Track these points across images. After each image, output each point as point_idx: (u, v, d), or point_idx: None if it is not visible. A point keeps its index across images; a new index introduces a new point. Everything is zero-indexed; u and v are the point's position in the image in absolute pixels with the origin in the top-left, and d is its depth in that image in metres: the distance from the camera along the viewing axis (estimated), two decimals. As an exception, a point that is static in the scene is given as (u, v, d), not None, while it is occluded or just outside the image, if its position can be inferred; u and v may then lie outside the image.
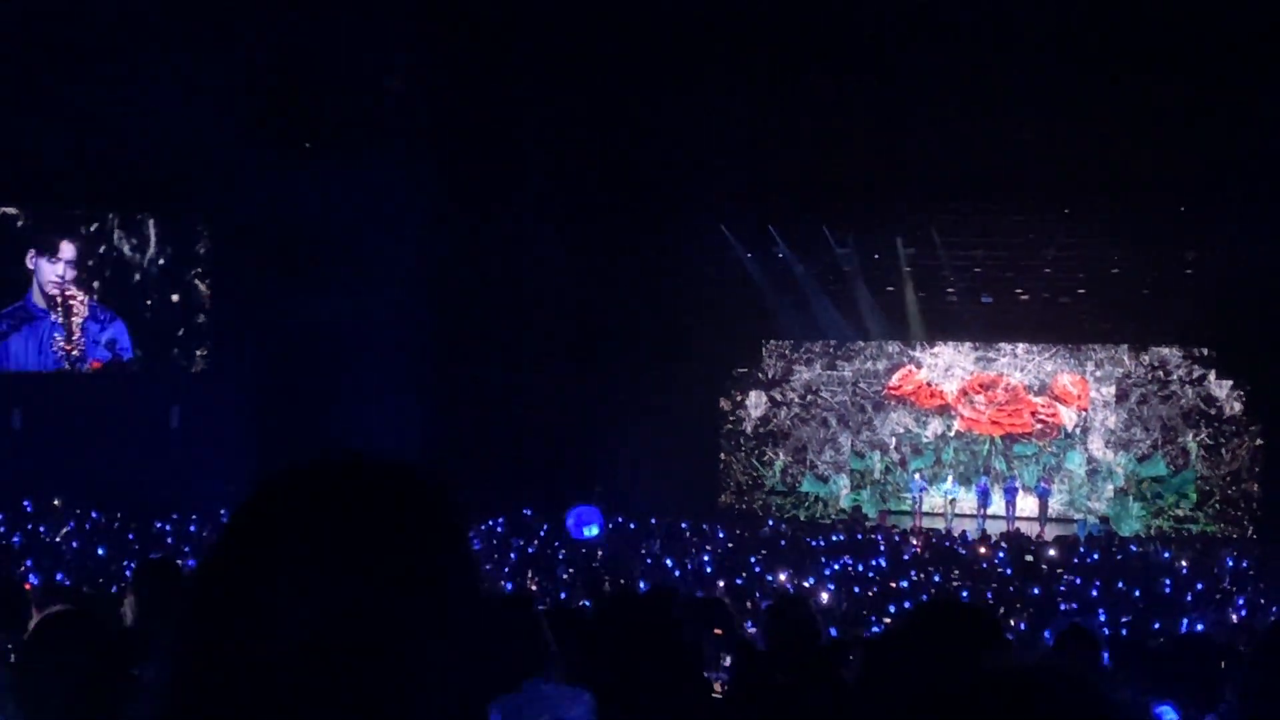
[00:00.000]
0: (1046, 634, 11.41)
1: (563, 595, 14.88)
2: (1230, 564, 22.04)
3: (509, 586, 15.29)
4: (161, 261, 27.82)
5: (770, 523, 27.05)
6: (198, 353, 28.34)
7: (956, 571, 19.42)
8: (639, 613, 2.86)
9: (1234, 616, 15.25)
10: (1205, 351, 30.13)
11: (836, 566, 19.46)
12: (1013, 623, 13.07)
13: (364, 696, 1.18)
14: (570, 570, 18.03)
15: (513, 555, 19.97)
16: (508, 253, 27.58)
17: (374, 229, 24.87)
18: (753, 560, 19.78)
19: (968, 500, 30.34)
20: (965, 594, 16.68)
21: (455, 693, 1.25)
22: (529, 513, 25.71)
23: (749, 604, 11.91)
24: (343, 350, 25.83)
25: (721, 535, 24.44)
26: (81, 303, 26.96)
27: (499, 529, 23.83)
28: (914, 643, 2.73)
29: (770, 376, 32.97)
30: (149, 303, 27.73)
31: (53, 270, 26.56)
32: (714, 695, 3.34)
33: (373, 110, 25.30)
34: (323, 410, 24.99)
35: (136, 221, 27.57)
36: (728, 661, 4.86)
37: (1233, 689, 3.84)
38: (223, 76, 23.25)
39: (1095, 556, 22.38)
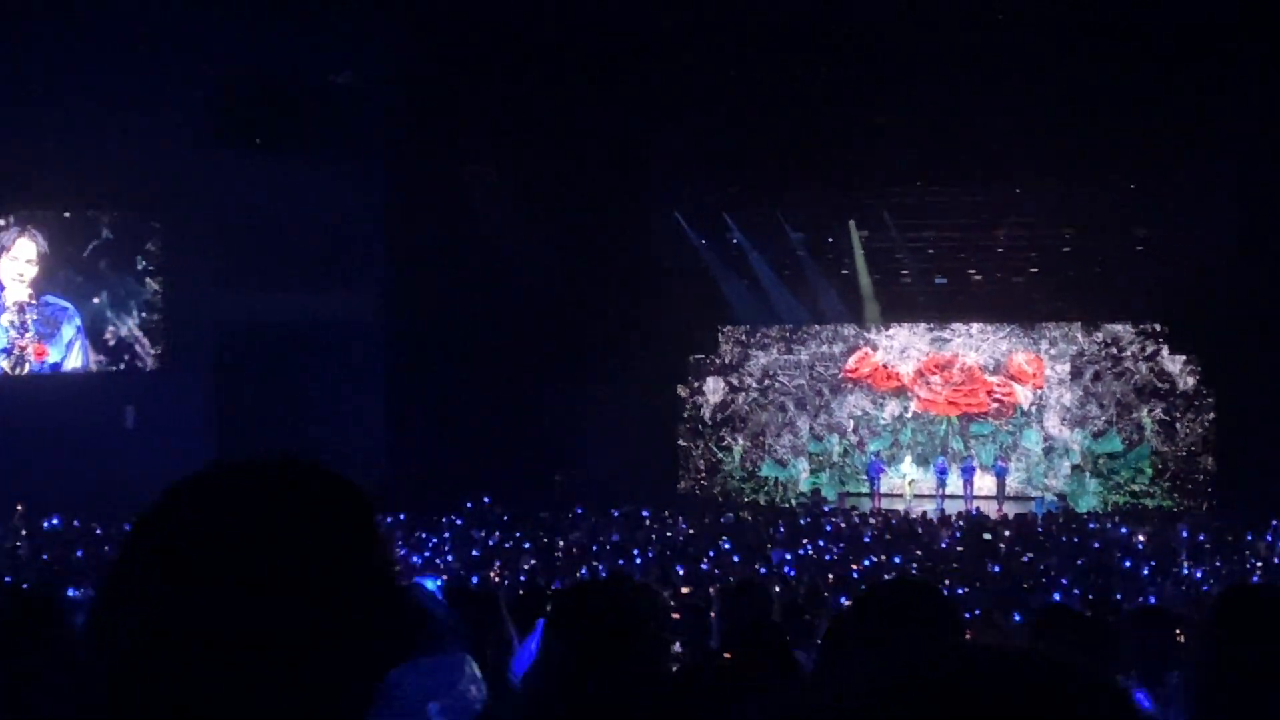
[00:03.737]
0: (1016, 616, 11.48)
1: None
2: (1186, 537, 22.24)
3: (474, 579, 15.24)
4: (114, 259, 27.57)
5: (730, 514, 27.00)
6: (152, 351, 28.09)
7: (917, 552, 19.53)
8: (593, 599, 2.85)
9: (1191, 589, 15.42)
10: (1157, 327, 30.41)
11: (800, 551, 19.52)
12: (973, 602, 13.16)
13: (263, 698, 1.20)
14: (534, 561, 18.02)
15: (474, 551, 19.90)
16: (463, 244, 27.48)
17: (328, 225, 24.75)
18: (714, 549, 19.81)
19: (926, 481, 30.50)
20: (925, 574, 16.79)
21: (360, 690, 1.28)
22: (488, 501, 25.68)
23: (710, 589, 11.90)
24: (298, 346, 25.72)
25: (684, 525, 24.46)
26: (34, 300, 26.71)
27: (458, 521, 23.76)
28: (866, 623, 2.74)
29: (727, 362, 33.04)
30: (98, 301, 27.47)
31: (10, 269, 26.34)
32: (668, 679, 3.34)
33: (325, 108, 25.14)
34: (279, 407, 24.87)
35: (89, 219, 27.32)
36: (679, 647, 4.88)
37: (1187, 659, 3.88)
38: (175, 75, 23.09)
39: (1053, 533, 22.56)
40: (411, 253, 27.12)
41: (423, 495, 24.58)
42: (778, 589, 13.94)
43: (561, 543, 20.69)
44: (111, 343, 27.76)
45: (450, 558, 18.78)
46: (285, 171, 23.42)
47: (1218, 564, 18.59)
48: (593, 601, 2.90)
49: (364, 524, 1.33)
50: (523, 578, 15.68)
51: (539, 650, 3.00)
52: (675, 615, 5.54)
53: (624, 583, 3.15)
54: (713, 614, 7.28)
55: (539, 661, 2.95)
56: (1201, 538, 21.93)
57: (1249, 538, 21.48)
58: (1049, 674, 1.02)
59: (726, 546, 19.80)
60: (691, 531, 22.70)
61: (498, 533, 22.08)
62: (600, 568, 17.19)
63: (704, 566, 17.26)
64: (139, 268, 27.94)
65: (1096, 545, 20.93)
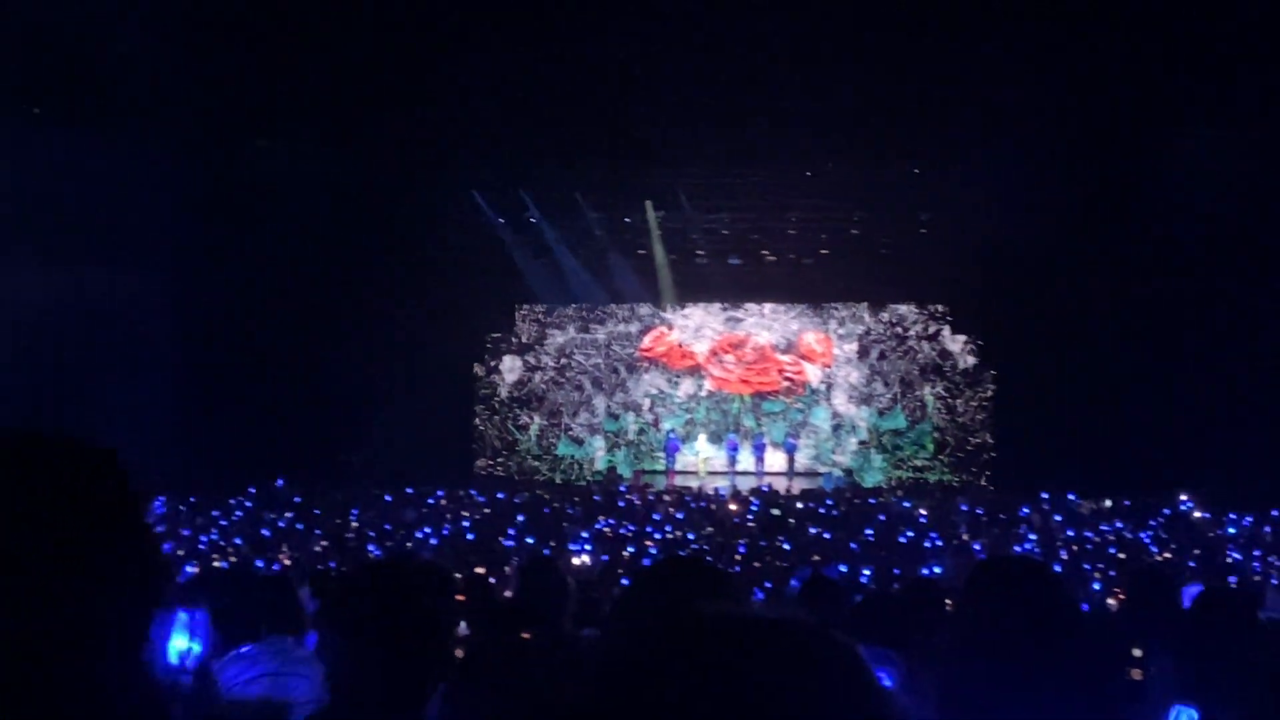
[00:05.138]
0: (794, 582, 11.78)
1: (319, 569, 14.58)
2: (965, 510, 23.02)
3: (259, 563, 14.92)
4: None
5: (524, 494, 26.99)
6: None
7: (710, 528, 19.81)
8: (372, 581, 2.84)
9: (969, 560, 15.95)
10: (939, 308, 31.46)
11: (596, 528, 19.62)
12: (763, 576, 13.41)
13: (27, 669, 1.25)
14: (325, 543, 17.73)
15: (265, 533, 19.50)
16: (256, 223, 26.73)
17: (115, 201, 23.83)
18: (510, 527, 19.80)
19: (719, 458, 30.96)
20: (718, 549, 17.05)
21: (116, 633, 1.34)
22: (281, 484, 25.21)
23: (506, 569, 11.90)
24: (85, 325, 24.73)
25: (482, 499, 24.40)
26: None
27: (248, 503, 23.28)
28: (643, 598, 2.79)
29: (524, 341, 33.02)
30: None
31: None
32: (455, 658, 3.34)
33: (108, 76, 24.13)
34: (65, 387, 23.92)
35: None
36: (464, 628, 4.88)
37: (950, 626, 4.03)
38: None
39: (841, 508, 23.10)
40: (202, 231, 26.30)
41: (215, 478, 23.99)
42: (575, 565, 14.04)
43: (355, 523, 20.41)
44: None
45: (240, 540, 18.35)
46: (69, 144, 22.44)
47: (995, 535, 19.29)
48: (371, 583, 2.88)
49: (106, 486, 1.38)
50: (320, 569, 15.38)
51: (319, 633, 2.98)
52: (461, 597, 5.52)
53: (405, 563, 3.13)
54: (507, 593, 7.30)
55: (320, 644, 2.93)
56: (980, 511, 22.74)
57: (1024, 511, 22.34)
58: (776, 632, 1.08)
59: (522, 521, 19.84)
60: (487, 510, 22.63)
61: (289, 514, 21.70)
62: (392, 548, 17.03)
63: (507, 543, 17.26)
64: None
65: (881, 518, 21.52)
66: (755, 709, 1.03)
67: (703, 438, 31.26)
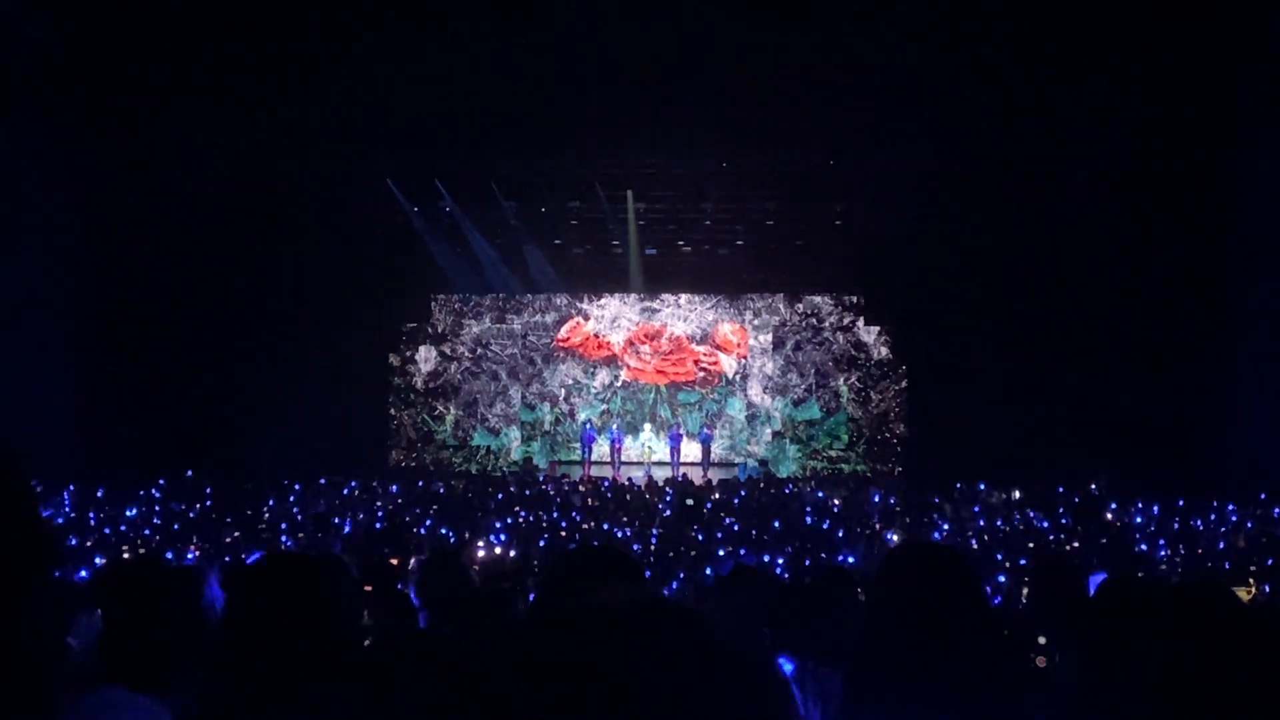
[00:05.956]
0: (709, 571, 11.81)
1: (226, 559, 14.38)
2: (878, 500, 23.20)
3: (169, 555, 14.69)
4: None
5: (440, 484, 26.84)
6: None
7: (624, 518, 19.80)
8: (271, 573, 2.78)
9: (881, 550, 16.07)
10: (854, 299, 31.67)
11: (512, 520, 19.55)
12: (677, 565, 13.44)
13: None
14: (236, 534, 17.50)
15: (175, 525, 19.21)
16: (164, 208, 26.27)
17: (8, 188, 23.33)
18: (428, 518, 19.67)
19: (633, 448, 30.97)
20: (634, 539, 17.07)
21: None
22: (190, 474, 24.87)
23: (413, 560, 11.81)
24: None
25: (396, 490, 24.24)
26: None
27: (156, 494, 22.94)
28: (556, 589, 2.78)
29: (440, 331, 32.81)
30: None
31: None
32: (361, 647, 3.30)
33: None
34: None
35: None
36: (368, 618, 4.83)
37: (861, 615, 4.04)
38: None
39: (756, 498, 23.20)
40: (108, 216, 25.83)
41: (124, 468, 23.62)
42: (485, 556, 13.96)
43: (266, 514, 20.18)
44: None
45: (148, 531, 18.07)
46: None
47: (907, 524, 19.46)
48: (271, 576, 2.83)
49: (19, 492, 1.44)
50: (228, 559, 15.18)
51: (220, 625, 2.92)
52: (368, 588, 5.46)
53: (309, 555, 3.09)
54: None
55: (220, 636, 2.87)
56: (893, 500, 22.94)
57: (936, 500, 22.55)
58: (671, 621, 1.07)
59: (435, 511, 19.71)
60: (400, 501, 22.48)
61: (199, 505, 21.41)
62: (304, 538, 16.86)
63: (422, 532, 17.15)
64: None
65: (796, 508, 21.62)
66: (647, 694, 1.02)
67: (648, 428, 31.17)
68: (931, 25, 24.23)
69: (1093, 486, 24.14)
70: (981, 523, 19.90)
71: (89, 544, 15.88)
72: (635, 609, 1.13)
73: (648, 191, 30.21)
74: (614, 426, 31.10)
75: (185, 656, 3.30)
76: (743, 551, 14.79)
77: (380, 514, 20.13)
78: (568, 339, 32.36)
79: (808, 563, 13.78)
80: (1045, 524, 19.80)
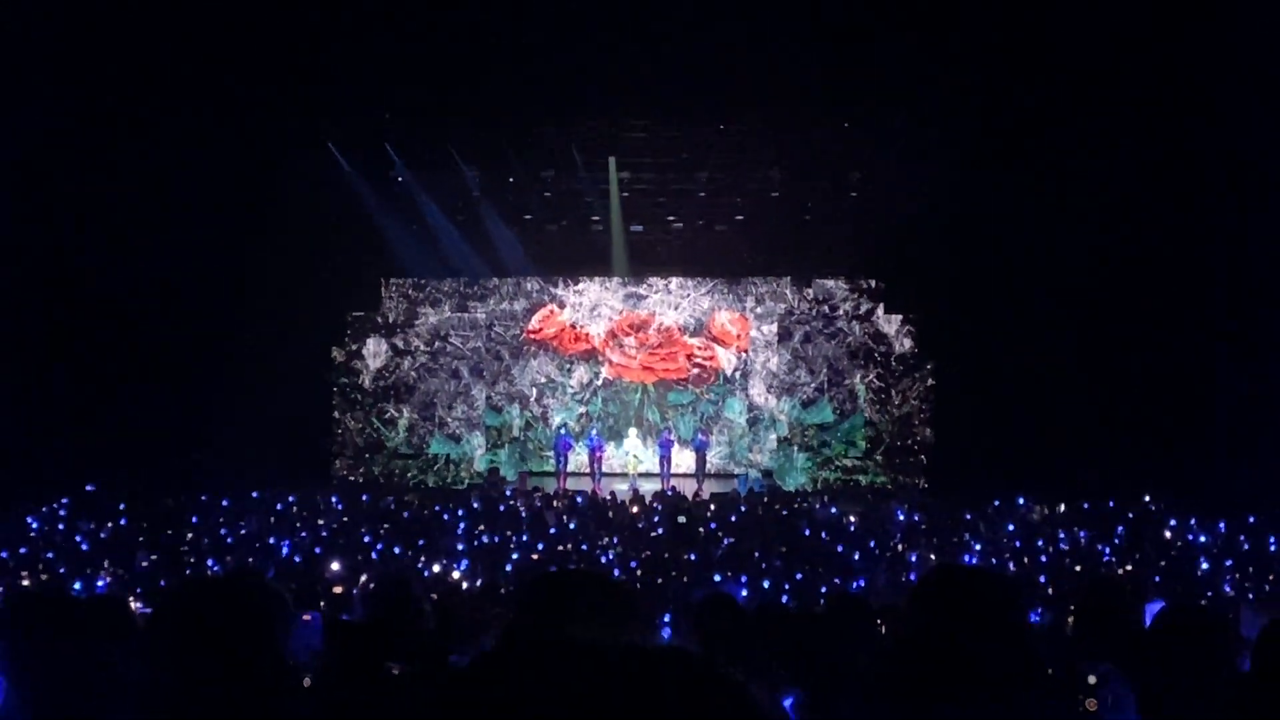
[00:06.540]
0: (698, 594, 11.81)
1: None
2: (901, 518, 23.21)
3: (77, 584, 14.68)
4: None
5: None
6: None
7: (606, 539, 19.80)
8: (197, 601, 2.78)
9: (904, 576, 16.11)
10: (873, 283, 31.67)
11: (475, 542, 19.56)
12: (667, 594, 13.45)
13: None
14: (154, 556, 17.50)
15: (83, 543, 19.18)
16: (69, 183, 26.03)
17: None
18: (370, 537, 19.67)
19: (616, 457, 30.96)
20: (617, 563, 17.09)
21: None
22: (92, 489, 24.76)
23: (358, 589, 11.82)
24: None
25: (340, 506, 24.22)
26: None
27: (62, 511, 22.88)
28: (520, 621, 2.77)
29: (391, 321, 32.76)
30: None
31: None
32: (301, 691, 3.30)
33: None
34: None
35: None
36: (306, 654, 4.83)
37: (883, 650, 4.04)
38: None
39: (759, 515, 23.19)
40: (26, 205, 25.64)
41: (24, 484, 23.55)
42: (448, 581, 13.96)
43: (189, 535, 20.17)
44: None
45: (51, 554, 18.03)
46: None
47: (933, 545, 19.47)
48: (196, 604, 2.82)
49: None
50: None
51: (142, 654, 2.92)
52: (306, 618, 5.45)
53: (241, 581, 3.08)
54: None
55: (144, 666, 2.87)
56: (917, 518, 22.94)
57: (968, 517, 22.55)
58: (654, 667, 1.05)
59: (386, 531, 19.73)
60: (346, 519, 22.46)
61: (110, 524, 21.37)
62: (233, 562, 16.88)
63: (374, 557, 17.16)
64: None
65: (804, 527, 21.63)
66: None
67: (633, 434, 31.13)
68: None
69: (1148, 501, 24.17)
70: (1019, 543, 19.93)
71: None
72: (626, 652, 1.13)
73: (633, 159, 30.15)
74: (594, 432, 31.05)
75: (96, 707, 3.28)
76: (743, 579, 14.81)
77: (322, 534, 20.12)
78: (540, 330, 32.34)
79: (823, 590, 13.82)
80: (1094, 544, 19.83)
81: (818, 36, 24.78)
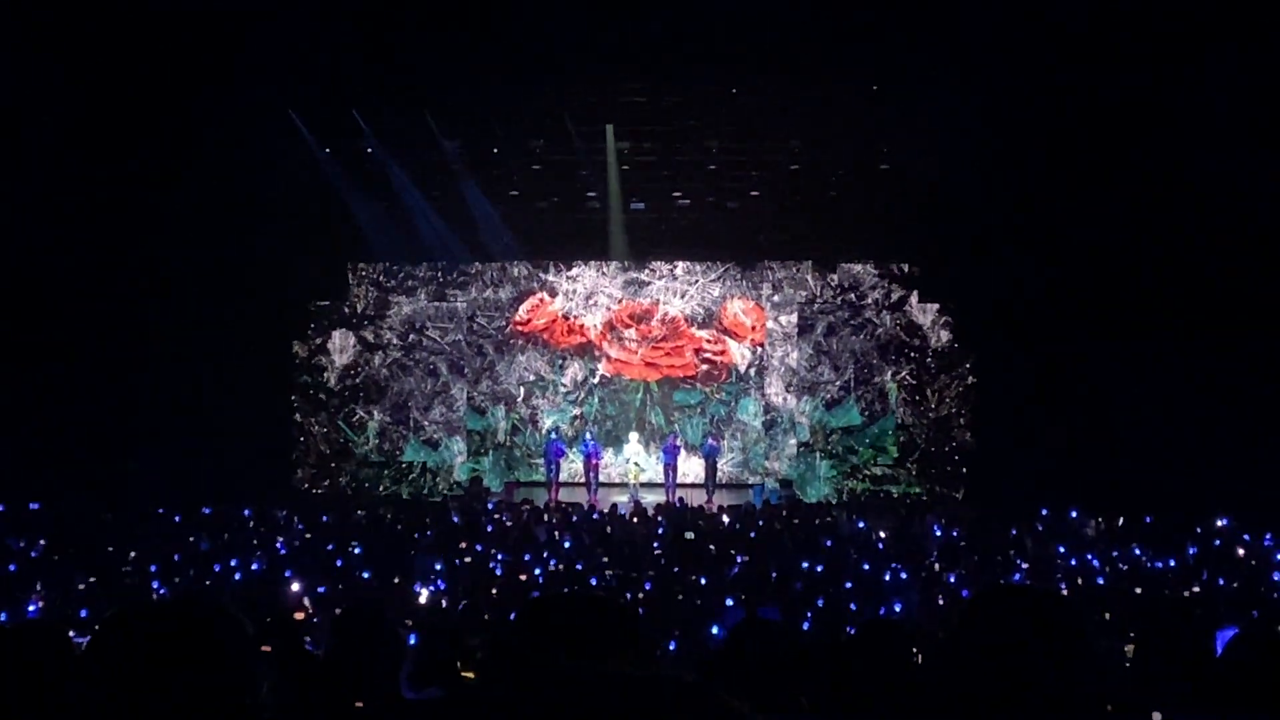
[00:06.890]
0: (716, 630, 11.81)
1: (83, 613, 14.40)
2: (938, 533, 23.22)
3: (2, 617, 14.67)
4: None
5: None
6: None
7: (604, 557, 19.82)
8: (142, 630, 2.78)
9: (942, 597, 16.12)
10: (905, 268, 31.66)
11: (456, 560, 19.57)
12: (672, 619, 13.46)
13: None
14: (91, 579, 17.50)
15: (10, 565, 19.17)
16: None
17: None
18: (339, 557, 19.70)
19: (615, 464, 30.97)
20: (618, 584, 17.09)
21: None
22: (36, 507, 24.82)
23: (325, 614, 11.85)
24: None
25: (300, 525, 24.24)
26: None
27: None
28: (508, 649, 2.76)
29: (360, 311, 32.79)
30: None
31: None
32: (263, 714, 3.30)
33: None
34: None
35: None
36: (265, 689, 4.81)
37: (921, 683, 4.04)
38: None
39: (776, 530, 23.21)
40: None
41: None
42: (424, 605, 13.97)
43: (132, 554, 20.17)
44: None
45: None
46: None
47: (974, 564, 19.48)
48: (135, 634, 2.81)
49: None
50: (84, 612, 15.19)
51: (79, 689, 2.92)
52: (266, 648, 5.45)
53: (188, 605, 3.07)
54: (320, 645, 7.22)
55: (81, 702, 2.87)
56: (955, 534, 22.95)
57: (1013, 532, 22.57)
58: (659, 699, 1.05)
59: (358, 552, 19.75)
60: (309, 536, 22.49)
61: (42, 542, 21.38)
62: (182, 585, 16.88)
63: (331, 581, 17.16)
64: None
65: (828, 544, 21.64)
66: None
67: (634, 438, 31.07)
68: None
69: (1219, 514, 24.15)
70: (1073, 562, 19.94)
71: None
72: (627, 682, 1.12)
73: (633, 127, 30.14)
74: (589, 437, 31.07)
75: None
76: (770, 605, 14.82)
77: (282, 552, 20.13)
78: (528, 321, 32.37)
79: (853, 607, 13.82)
80: (1158, 564, 19.84)
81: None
